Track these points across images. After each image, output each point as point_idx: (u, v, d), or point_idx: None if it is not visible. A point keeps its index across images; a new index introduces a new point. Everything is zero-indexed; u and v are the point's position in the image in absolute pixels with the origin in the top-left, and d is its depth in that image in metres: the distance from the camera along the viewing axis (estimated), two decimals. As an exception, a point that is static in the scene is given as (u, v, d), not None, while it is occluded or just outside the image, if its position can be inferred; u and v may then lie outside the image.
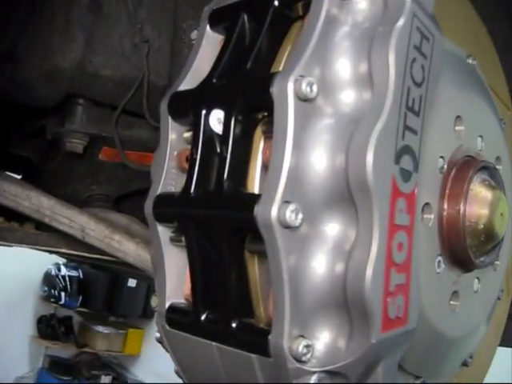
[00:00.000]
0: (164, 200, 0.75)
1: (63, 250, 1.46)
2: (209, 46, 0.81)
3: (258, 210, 0.61)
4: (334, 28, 0.66)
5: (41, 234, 1.50)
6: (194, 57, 0.81)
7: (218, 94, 0.71)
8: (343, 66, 0.66)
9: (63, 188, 1.53)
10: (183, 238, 0.74)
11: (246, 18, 0.75)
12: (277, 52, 0.72)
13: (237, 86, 0.69)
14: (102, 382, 5.51)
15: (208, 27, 0.81)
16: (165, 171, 0.77)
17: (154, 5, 1.41)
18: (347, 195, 0.63)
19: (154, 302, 0.80)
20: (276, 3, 0.71)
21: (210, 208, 0.67)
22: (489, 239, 0.82)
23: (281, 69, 0.71)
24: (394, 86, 0.63)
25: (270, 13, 0.71)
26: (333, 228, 0.64)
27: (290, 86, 0.62)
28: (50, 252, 1.64)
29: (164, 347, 0.81)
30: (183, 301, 0.77)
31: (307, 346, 0.62)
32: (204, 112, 0.71)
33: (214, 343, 0.69)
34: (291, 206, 0.60)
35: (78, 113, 1.39)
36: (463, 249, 0.80)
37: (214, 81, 0.73)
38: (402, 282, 0.66)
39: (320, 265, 0.64)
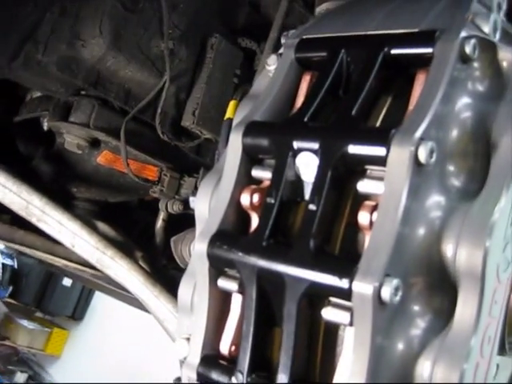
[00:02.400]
0: (223, 241, 0.66)
1: (40, 254, 1.33)
2: (291, 77, 0.74)
3: (356, 283, 0.54)
4: (456, 92, 0.61)
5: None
6: (273, 86, 0.73)
7: (312, 135, 0.63)
8: (461, 136, 0.60)
9: (49, 183, 1.41)
10: (237, 286, 0.66)
11: (345, 56, 0.69)
12: (378, 102, 0.66)
13: (340, 132, 0.62)
14: (16, 379, 5.22)
15: (293, 56, 0.74)
16: (226, 207, 0.68)
17: (187, 13, 1.33)
18: (450, 278, 0.57)
19: (182, 346, 0.71)
20: (387, 49, 0.65)
21: (289, 264, 0.60)
22: None
23: (379, 123, 0.65)
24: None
25: (380, 59, 0.65)
26: (424, 311, 0.58)
27: (411, 149, 0.56)
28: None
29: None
30: (216, 353, 0.69)
31: None
32: (291, 153, 0.64)
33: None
34: (394, 282, 0.53)
35: (87, 109, 1.28)
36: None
37: (306, 120, 0.66)
38: (482, 378, 0.60)
39: (403, 347, 0.57)
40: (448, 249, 0.57)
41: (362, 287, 0.54)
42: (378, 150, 0.58)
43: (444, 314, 0.58)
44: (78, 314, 5.28)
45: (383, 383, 0.55)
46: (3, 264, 4.90)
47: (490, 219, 0.56)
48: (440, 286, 0.58)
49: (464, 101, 0.61)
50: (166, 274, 1.29)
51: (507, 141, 0.59)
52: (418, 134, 0.56)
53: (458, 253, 0.56)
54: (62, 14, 1.17)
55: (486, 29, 0.63)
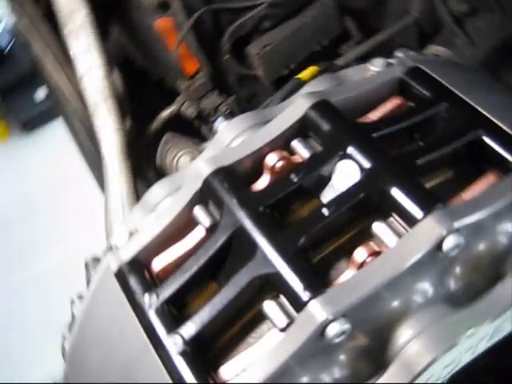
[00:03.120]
0: (227, 178, 0.64)
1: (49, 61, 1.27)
2: (385, 90, 0.71)
3: (314, 303, 0.53)
4: (509, 216, 0.59)
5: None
6: (364, 85, 0.71)
7: (371, 153, 0.61)
8: (485, 252, 0.59)
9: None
10: (208, 224, 0.64)
11: (444, 110, 0.66)
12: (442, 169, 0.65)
13: (395, 169, 0.60)
14: None
15: (400, 75, 0.71)
16: (250, 152, 0.66)
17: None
18: (385, 354, 0.57)
19: (121, 236, 0.69)
20: (481, 133, 0.63)
21: (270, 243, 0.58)
22: None
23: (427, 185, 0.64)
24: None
25: (471, 135, 0.63)
26: (345, 367, 0.57)
27: (443, 233, 0.54)
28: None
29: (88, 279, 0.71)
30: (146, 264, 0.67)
31: None
32: (340, 153, 0.62)
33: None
34: (345, 326, 0.52)
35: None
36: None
37: (375, 136, 0.63)
38: None
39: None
40: (404, 334, 0.56)
41: (317, 310, 0.52)
42: (415, 210, 0.56)
43: (358, 380, 0.58)
44: (29, 125, 4.90)
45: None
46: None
47: (457, 338, 0.55)
48: (372, 357, 0.57)
49: (508, 228, 0.60)
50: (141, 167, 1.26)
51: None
52: (458, 224, 0.55)
53: (410, 344, 0.55)
54: None
55: None
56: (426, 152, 0.62)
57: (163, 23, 1.30)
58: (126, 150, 1.15)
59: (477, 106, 0.66)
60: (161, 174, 1.25)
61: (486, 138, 0.63)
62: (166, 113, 1.37)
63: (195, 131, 1.35)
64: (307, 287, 0.54)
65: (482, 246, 0.59)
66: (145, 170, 1.31)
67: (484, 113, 0.66)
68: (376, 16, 1.52)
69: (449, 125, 0.66)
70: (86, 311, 0.68)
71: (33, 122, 4.53)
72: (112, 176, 1.13)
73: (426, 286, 0.57)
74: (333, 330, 0.52)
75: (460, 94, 0.68)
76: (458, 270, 0.59)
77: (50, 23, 1.25)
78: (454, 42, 1.21)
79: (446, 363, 0.57)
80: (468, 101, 0.67)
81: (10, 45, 4.22)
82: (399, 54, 0.77)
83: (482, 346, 0.61)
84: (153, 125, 1.35)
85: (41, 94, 4.58)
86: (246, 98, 1.41)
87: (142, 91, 1.41)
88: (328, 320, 0.52)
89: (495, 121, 0.65)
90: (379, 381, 0.55)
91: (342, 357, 0.56)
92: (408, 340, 0.55)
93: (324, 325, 0.52)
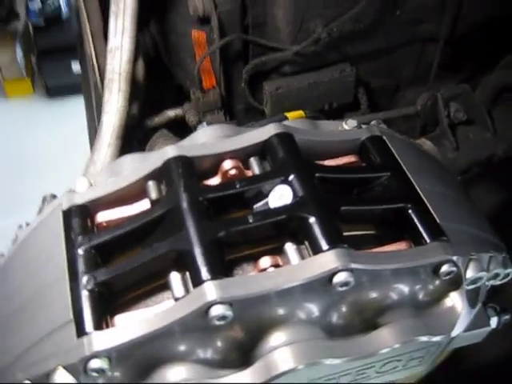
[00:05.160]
0: (184, 166, 0.73)
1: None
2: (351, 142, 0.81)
3: (203, 288, 0.61)
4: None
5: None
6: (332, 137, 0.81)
7: (309, 189, 0.70)
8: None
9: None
10: (154, 197, 0.73)
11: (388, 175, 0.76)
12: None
13: (319, 206, 0.69)
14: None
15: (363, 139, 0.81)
16: (211, 150, 0.75)
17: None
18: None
19: (80, 184, 0.77)
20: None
21: (194, 229, 0.66)
22: None
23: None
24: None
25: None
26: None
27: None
28: None
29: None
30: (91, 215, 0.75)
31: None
32: (283, 178, 0.71)
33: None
34: (223, 309, 0.61)
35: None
36: None
37: (317, 175, 0.73)
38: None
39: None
40: (276, 339, 0.64)
41: (209, 290, 0.60)
42: (323, 242, 0.65)
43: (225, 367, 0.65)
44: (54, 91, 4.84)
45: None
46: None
47: (319, 359, 0.63)
48: (243, 351, 0.65)
49: (400, 288, 0.69)
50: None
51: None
52: (351, 265, 0.63)
53: (278, 350, 0.63)
54: None
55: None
56: (353, 203, 0.71)
57: (198, 34, 1.42)
58: (121, 132, 1.25)
59: (415, 184, 0.76)
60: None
61: (411, 211, 0.72)
62: (171, 112, 1.47)
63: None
64: (209, 270, 0.62)
65: (371, 295, 0.67)
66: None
67: (419, 191, 0.75)
68: (386, 96, 1.64)
69: (384, 190, 0.75)
70: (27, 235, 0.76)
71: (58, 90, 4.50)
72: (99, 148, 1.22)
73: (311, 308, 0.65)
74: (216, 311, 0.60)
75: (405, 170, 0.77)
76: (344, 308, 0.67)
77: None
78: (442, 142, 1.32)
79: (304, 380, 0.65)
80: (410, 177, 0.76)
81: (68, 12, 4.35)
82: (374, 123, 0.87)
83: (344, 381, 0.69)
84: (155, 119, 1.45)
85: (78, 66, 4.67)
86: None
87: (157, 85, 1.51)
88: (215, 301, 0.60)
89: (425, 201, 0.74)
90: (239, 374, 0.63)
91: (218, 342, 0.64)
92: (278, 345, 0.63)
93: (210, 304, 0.60)
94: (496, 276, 0.73)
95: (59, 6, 4.39)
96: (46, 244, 0.73)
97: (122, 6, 1.23)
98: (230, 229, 0.66)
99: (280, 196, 0.70)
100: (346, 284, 0.63)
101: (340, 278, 0.63)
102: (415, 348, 0.68)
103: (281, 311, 0.64)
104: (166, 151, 0.74)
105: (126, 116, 1.27)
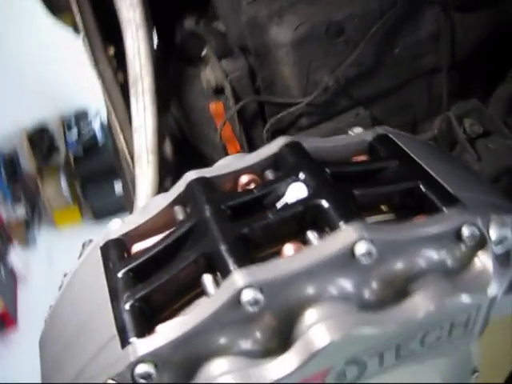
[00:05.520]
0: (207, 186, 0.78)
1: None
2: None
3: (235, 277, 0.65)
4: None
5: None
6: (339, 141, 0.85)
7: (320, 183, 0.74)
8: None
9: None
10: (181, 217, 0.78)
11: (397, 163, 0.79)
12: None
13: (334, 193, 0.73)
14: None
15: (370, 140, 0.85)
16: (236, 168, 0.81)
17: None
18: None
19: (115, 221, 0.83)
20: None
21: (216, 234, 0.70)
22: None
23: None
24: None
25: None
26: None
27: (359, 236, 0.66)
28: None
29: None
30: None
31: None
32: (295, 177, 0.76)
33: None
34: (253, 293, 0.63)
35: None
36: None
37: (329, 172, 0.77)
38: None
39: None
40: (311, 317, 0.65)
41: (237, 278, 0.64)
42: (337, 219, 0.68)
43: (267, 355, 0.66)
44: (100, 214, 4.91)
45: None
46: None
47: (357, 330, 0.64)
48: (282, 336, 0.67)
49: (427, 255, 0.70)
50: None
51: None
52: (370, 236, 0.66)
53: (314, 327, 0.64)
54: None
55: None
56: (365, 187, 0.74)
57: (216, 106, 1.52)
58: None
59: (424, 165, 0.79)
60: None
61: (423, 187, 0.75)
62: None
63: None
64: (236, 261, 0.66)
65: (398, 266, 0.69)
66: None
67: (428, 170, 0.78)
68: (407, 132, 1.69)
69: (395, 174, 0.78)
70: (70, 278, 0.81)
71: (105, 211, 4.60)
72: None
73: (341, 285, 0.67)
74: (247, 296, 0.63)
75: (413, 156, 0.81)
76: (373, 282, 0.68)
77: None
78: (464, 156, 1.34)
79: (346, 357, 0.65)
80: (418, 160, 0.79)
81: (103, 137, 4.62)
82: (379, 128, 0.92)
83: (389, 361, 0.68)
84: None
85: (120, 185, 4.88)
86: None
87: (185, 164, 1.61)
88: (244, 286, 0.63)
89: (436, 177, 0.76)
90: (279, 359, 0.64)
91: (257, 331, 0.66)
92: (313, 323, 0.64)
93: (239, 290, 0.63)
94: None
95: (94, 134, 4.68)
96: (88, 279, 0.78)
97: (141, 88, 1.35)
98: (252, 225, 0.70)
99: (295, 193, 0.74)
100: (368, 255, 0.65)
101: (361, 248, 0.65)
102: (452, 311, 0.68)
103: (311, 291, 0.66)
104: (186, 176, 0.80)
105: (159, 189, 1.35)
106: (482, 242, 0.71)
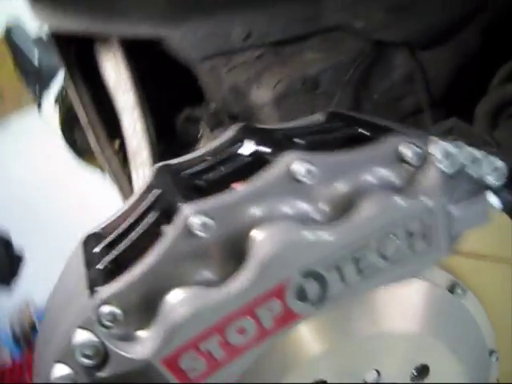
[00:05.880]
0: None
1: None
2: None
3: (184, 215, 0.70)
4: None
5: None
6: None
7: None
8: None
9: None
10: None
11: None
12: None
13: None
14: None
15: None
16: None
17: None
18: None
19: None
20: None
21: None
22: None
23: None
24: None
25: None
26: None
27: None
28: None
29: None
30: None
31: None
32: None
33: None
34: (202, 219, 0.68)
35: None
36: None
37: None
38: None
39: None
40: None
41: (185, 209, 0.68)
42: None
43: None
44: None
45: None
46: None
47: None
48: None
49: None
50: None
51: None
52: (306, 157, 0.71)
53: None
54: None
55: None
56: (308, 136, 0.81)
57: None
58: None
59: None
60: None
61: (361, 130, 0.80)
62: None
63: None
64: (184, 198, 0.70)
65: (343, 186, 0.72)
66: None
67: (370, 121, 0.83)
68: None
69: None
70: (59, 277, 0.86)
71: None
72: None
73: (287, 206, 0.70)
74: (196, 221, 0.67)
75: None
76: (320, 203, 0.71)
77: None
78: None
79: (298, 268, 0.66)
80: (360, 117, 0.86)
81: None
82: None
83: (350, 276, 0.69)
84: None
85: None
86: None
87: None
88: (191, 213, 0.67)
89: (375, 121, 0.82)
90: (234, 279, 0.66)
91: (212, 257, 0.68)
92: (259, 240, 0.67)
93: (188, 218, 0.67)
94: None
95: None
96: (70, 270, 0.83)
97: (140, 161, 1.47)
98: (204, 176, 0.76)
99: (245, 150, 0.81)
100: (309, 174, 0.70)
101: (300, 168, 0.69)
102: (396, 215, 0.69)
103: (257, 213, 0.69)
104: (154, 166, 0.88)
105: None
106: (428, 162, 0.75)
